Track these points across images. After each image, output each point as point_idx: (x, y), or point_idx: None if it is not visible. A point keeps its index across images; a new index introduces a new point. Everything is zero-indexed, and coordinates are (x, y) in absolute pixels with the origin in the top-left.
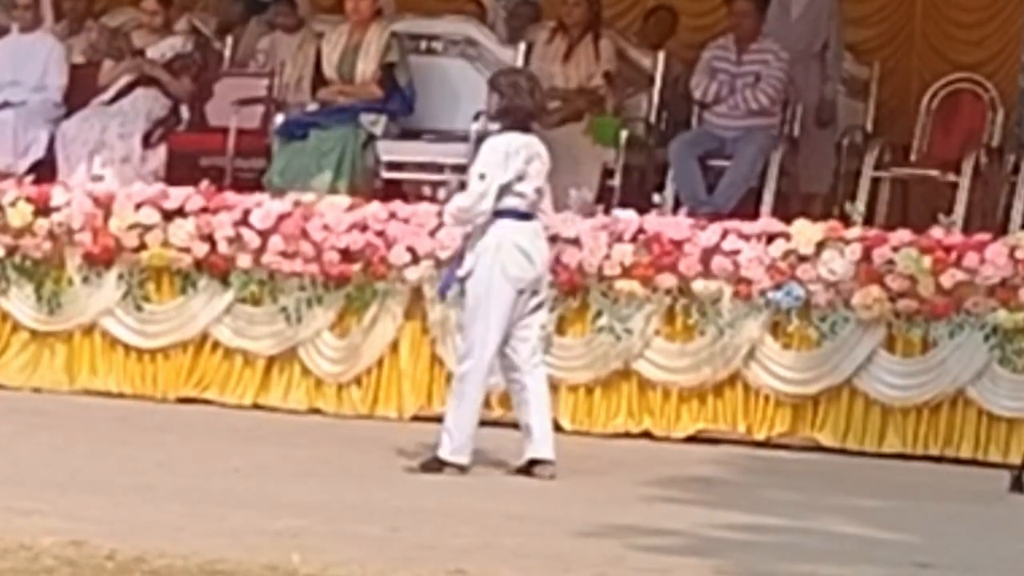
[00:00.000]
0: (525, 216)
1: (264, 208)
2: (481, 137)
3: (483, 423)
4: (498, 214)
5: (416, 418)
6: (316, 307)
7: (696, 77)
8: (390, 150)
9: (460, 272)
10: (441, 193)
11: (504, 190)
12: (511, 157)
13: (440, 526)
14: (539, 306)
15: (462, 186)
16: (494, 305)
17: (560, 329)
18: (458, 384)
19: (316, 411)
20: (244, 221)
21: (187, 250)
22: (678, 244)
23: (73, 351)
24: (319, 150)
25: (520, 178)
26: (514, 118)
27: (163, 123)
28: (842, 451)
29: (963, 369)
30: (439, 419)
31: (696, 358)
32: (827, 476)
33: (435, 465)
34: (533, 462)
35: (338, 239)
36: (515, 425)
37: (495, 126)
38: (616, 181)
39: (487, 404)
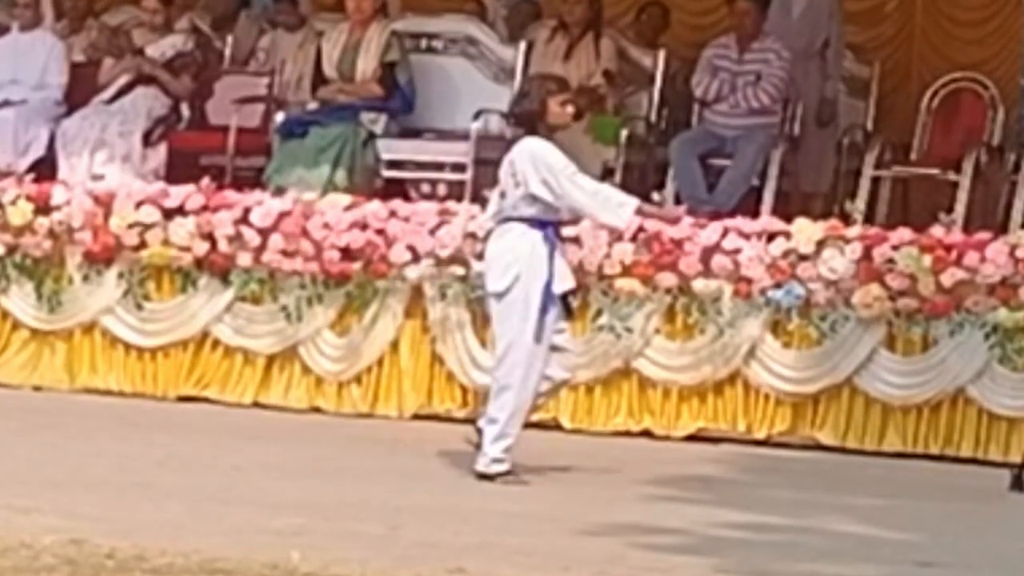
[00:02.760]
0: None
1: (264, 206)
2: (481, 136)
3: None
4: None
5: (416, 417)
6: (316, 305)
7: (697, 75)
8: (390, 148)
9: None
10: (441, 190)
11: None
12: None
13: (440, 525)
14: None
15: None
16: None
17: None
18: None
19: (316, 410)
20: (244, 219)
21: (187, 248)
22: (678, 243)
23: (73, 349)
24: (319, 148)
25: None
26: (519, 122)
27: (163, 121)
28: (842, 450)
29: (963, 368)
30: (439, 418)
31: (696, 357)
32: (827, 475)
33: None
34: None
35: (338, 237)
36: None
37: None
38: (616, 180)
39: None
